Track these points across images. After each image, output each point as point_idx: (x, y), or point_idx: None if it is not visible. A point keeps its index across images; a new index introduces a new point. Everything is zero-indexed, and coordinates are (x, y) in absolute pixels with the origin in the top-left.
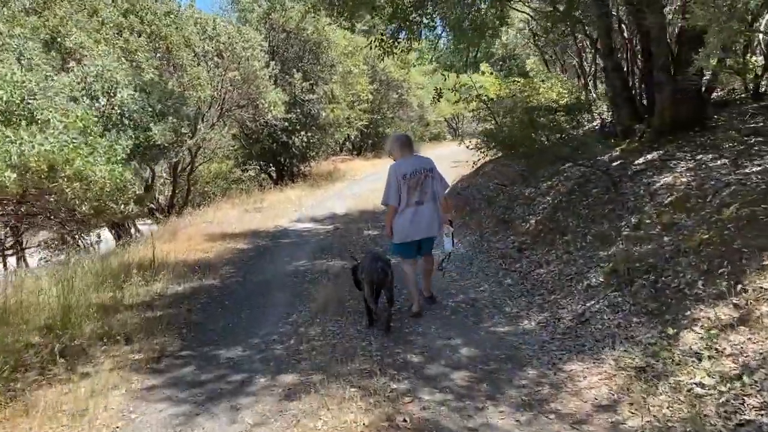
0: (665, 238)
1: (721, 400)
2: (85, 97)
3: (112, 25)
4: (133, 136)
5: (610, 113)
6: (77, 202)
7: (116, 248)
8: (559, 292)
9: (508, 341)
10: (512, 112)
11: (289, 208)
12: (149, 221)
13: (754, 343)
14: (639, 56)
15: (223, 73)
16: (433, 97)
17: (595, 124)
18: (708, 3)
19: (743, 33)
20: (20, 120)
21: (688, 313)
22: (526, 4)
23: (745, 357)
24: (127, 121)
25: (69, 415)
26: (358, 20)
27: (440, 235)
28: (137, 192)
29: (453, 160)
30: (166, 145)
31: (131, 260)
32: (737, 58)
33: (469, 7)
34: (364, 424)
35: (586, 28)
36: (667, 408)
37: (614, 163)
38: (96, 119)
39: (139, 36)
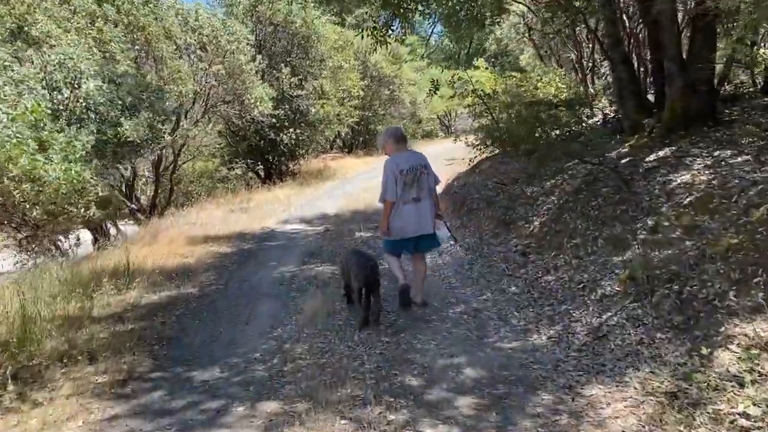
0: (687, 243)
1: None
2: (43, 88)
3: (84, 13)
4: (96, 131)
5: (613, 108)
6: (27, 205)
7: (93, 252)
8: (570, 302)
9: (518, 359)
10: (511, 108)
11: (277, 208)
12: (131, 222)
13: None
14: (644, 47)
15: (207, 66)
16: (430, 90)
17: (596, 119)
18: None
19: None
20: None
21: (722, 329)
22: None
23: None
24: (93, 115)
25: None
26: (349, 7)
27: (435, 230)
28: (100, 194)
29: (447, 157)
30: (139, 141)
31: (105, 266)
32: (746, 50)
33: None
34: None
35: (587, 18)
36: None
37: (623, 160)
38: (53, 112)
39: (115, 26)
